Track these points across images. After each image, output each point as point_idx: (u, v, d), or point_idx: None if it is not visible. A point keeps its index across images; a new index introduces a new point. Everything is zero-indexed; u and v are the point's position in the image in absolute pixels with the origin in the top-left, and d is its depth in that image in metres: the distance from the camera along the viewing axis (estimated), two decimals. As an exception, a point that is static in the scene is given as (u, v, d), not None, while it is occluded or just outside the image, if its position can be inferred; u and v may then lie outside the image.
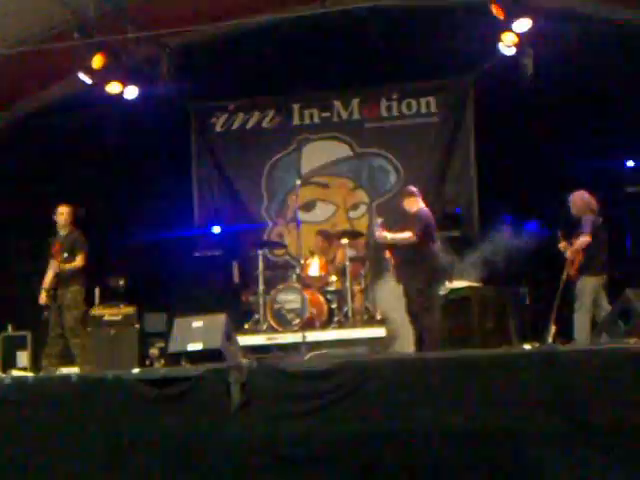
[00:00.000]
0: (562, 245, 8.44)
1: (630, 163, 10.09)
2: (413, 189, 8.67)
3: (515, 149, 10.33)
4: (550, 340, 8.21)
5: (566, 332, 8.43)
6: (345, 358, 6.45)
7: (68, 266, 8.86)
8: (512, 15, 8.95)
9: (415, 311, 8.27)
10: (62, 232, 9.06)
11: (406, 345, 8.91)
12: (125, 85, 10.04)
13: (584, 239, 8.17)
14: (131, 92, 10.11)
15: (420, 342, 8.14)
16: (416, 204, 8.48)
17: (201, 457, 5.97)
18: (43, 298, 8.76)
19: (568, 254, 8.33)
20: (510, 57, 9.51)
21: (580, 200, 8.38)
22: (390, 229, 8.54)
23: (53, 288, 8.80)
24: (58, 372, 7.94)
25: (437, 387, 5.75)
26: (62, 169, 11.39)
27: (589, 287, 8.15)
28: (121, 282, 10.40)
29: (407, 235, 8.24)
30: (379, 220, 8.64)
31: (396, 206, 9.10)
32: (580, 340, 7.64)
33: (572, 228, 8.54)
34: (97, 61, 9.51)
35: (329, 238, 10.41)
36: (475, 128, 11.21)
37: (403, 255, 8.32)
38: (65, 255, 8.87)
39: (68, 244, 8.97)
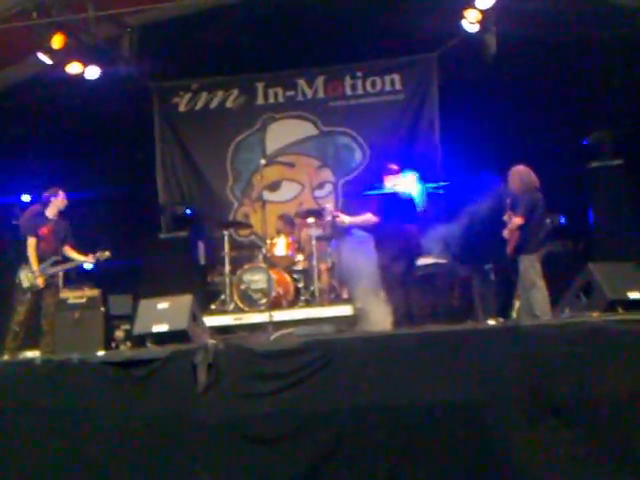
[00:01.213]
0: (506, 216, 8.31)
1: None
2: (392, 167, 8.52)
3: (478, 125, 10.37)
4: (514, 315, 8.28)
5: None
6: (312, 337, 6.46)
7: (81, 259, 8.71)
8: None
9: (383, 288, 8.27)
10: (51, 215, 8.72)
11: (375, 323, 8.97)
12: (86, 65, 9.91)
13: (516, 220, 7.99)
14: (92, 72, 9.98)
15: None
16: (390, 182, 8.39)
17: (169, 438, 5.97)
18: (42, 282, 8.48)
19: (505, 233, 8.16)
20: (473, 34, 9.52)
21: (518, 179, 8.17)
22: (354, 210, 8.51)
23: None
24: (22, 356, 7.86)
25: (403, 363, 5.80)
26: (23, 152, 11.23)
27: (529, 265, 7.97)
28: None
29: (367, 217, 8.22)
30: (329, 206, 8.61)
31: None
32: (542, 316, 7.68)
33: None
34: (57, 41, 9.36)
35: (290, 221, 10.39)
36: (439, 105, 11.22)
37: (373, 234, 8.31)
38: (55, 242, 8.68)
39: (59, 231, 8.70)
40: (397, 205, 8.24)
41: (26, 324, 8.45)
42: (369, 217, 8.18)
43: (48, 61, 9.59)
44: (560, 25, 9.99)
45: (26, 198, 9.13)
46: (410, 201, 8.37)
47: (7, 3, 9.86)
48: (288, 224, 10.40)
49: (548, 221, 8.70)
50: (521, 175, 8.16)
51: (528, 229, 7.96)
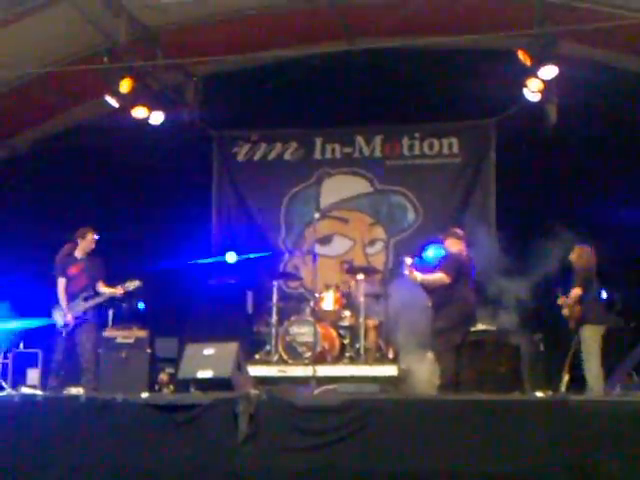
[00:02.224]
0: (561, 300, 8.44)
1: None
2: (458, 231, 8.48)
3: (535, 194, 10.33)
4: (563, 389, 8.14)
5: (579, 382, 8.37)
6: (354, 395, 6.41)
7: (109, 291, 8.86)
8: (539, 62, 8.99)
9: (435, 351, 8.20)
10: (80, 255, 9.02)
11: (419, 385, 8.88)
12: (151, 110, 10.13)
13: (575, 292, 8.13)
14: (156, 117, 10.21)
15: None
16: (455, 246, 8.32)
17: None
18: (70, 318, 8.67)
19: (565, 311, 8.30)
20: (534, 103, 9.55)
21: (585, 256, 8.38)
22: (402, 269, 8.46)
23: None
24: (65, 392, 7.92)
25: (445, 430, 5.71)
26: (84, 191, 11.48)
27: (592, 334, 8.08)
28: (139, 304, 10.44)
29: (438, 276, 8.08)
30: (408, 260, 8.49)
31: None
32: (594, 390, 7.56)
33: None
34: (125, 85, 9.62)
35: (352, 270, 10.34)
36: (496, 171, 11.21)
37: (435, 295, 8.22)
38: (87, 280, 8.87)
39: (90, 269, 8.94)
40: (465, 269, 8.15)
41: (65, 363, 8.63)
42: (442, 277, 8.02)
43: (115, 104, 9.84)
44: (621, 97, 9.98)
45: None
46: (474, 267, 8.31)
47: (81, 46, 10.23)
48: (349, 272, 10.36)
49: (605, 296, 8.68)
50: (587, 253, 8.32)
51: (589, 300, 7.97)
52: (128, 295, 9.14)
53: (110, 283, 8.91)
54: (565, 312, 8.26)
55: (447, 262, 8.14)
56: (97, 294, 8.83)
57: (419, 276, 8.22)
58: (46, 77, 10.38)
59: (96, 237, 9.04)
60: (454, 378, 7.79)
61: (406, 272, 8.42)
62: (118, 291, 8.84)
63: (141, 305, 9.55)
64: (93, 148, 11.39)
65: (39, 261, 10.03)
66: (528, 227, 9.86)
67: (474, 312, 8.12)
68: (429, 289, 8.24)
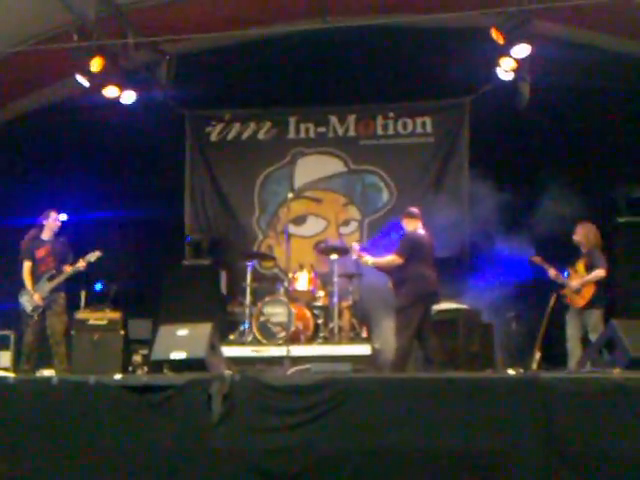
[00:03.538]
0: (553, 273, 8.51)
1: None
2: (413, 210, 8.51)
3: (508, 172, 10.37)
4: (534, 367, 8.21)
5: (552, 359, 8.48)
6: (328, 374, 6.42)
7: (72, 267, 8.80)
8: (512, 40, 8.99)
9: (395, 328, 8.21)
10: (46, 237, 8.99)
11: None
12: (122, 89, 10.03)
13: (600, 272, 8.30)
14: (128, 97, 10.10)
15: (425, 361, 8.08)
16: (411, 225, 8.37)
17: (180, 466, 5.93)
18: (39, 299, 8.69)
19: (573, 284, 8.39)
20: (507, 81, 9.56)
21: (594, 234, 8.56)
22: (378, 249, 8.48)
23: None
24: (38, 374, 7.87)
25: (418, 408, 5.74)
26: (54, 172, 11.36)
27: (601, 319, 8.23)
28: (113, 288, 10.41)
29: (390, 258, 8.15)
30: (356, 245, 8.58)
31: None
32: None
33: (569, 257, 8.66)
34: (95, 64, 9.49)
35: (325, 250, 10.36)
36: (469, 150, 11.24)
37: (393, 276, 8.26)
38: (53, 262, 8.82)
39: (57, 251, 8.92)
40: (419, 248, 8.20)
41: (36, 346, 8.60)
42: (393, 258, 8.10)
43: (86, 83, 9.71)
44: (592, 75, 10.02)
45: (63, 217, 9.29)
46: (431, 246, 8.33)
47: (49, 25, 10.08)
48: (322, 253, 10.37)
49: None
50: (592, 230, 8.54)
51: (603, 283, 8.10)
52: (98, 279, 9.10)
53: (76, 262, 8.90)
54: (575, 286, 8.35)
55: (400, 242, 8.19)
56: (61, 272, 8.80)
57: (370, 260, 8.30)
58: (15, 57, 10.23)
59: (61, 217, 9.02)
60: (407, 357, 7.83)
61: (355, 257, 8.48)
62: (80, 265, 8.78)
63: (98, 286, 9.51)
64: (64, 129, 11.30)
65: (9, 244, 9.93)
66: (501, 206, 9.88)
67: (433, 290, 8.10)
68: (386, 270, 8.30)
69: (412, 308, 7.91)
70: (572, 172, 10.07)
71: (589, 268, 8.42)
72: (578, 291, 8.36)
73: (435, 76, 10.71)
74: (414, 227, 8.32)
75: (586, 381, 5.71)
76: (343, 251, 10.02)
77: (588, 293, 8.30)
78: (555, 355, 8.64)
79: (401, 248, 8.11)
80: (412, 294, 7.95)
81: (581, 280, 8.37)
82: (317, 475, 5.73)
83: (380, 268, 8.38)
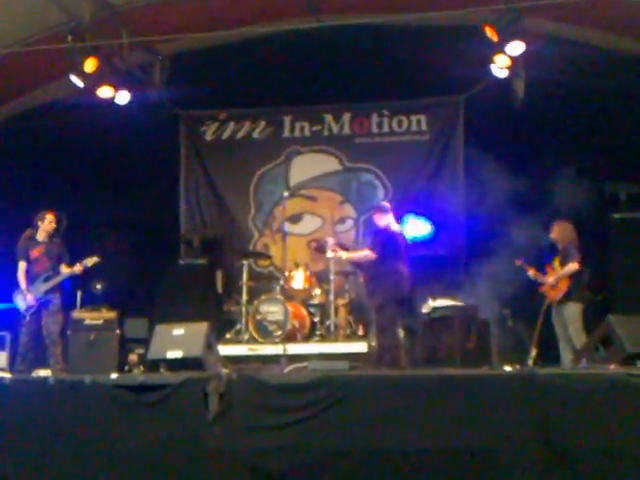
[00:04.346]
0: (532, 273, 8.76)
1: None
2: (384, 205, 8.54)
3: (503, 169, 10.37)
4: (530, 363, 8.23)
5: (548, 356, 8.49)
6: (325, 372, 6.43)
7: (68, 270, 8.81)
8: (506, 38, 8.99)
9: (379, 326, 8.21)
10: (41, 238, 8.99)
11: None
12: (117, 90, 10.01)
13: (574, 266, 8.47)
14: (122, 97, 10.08)
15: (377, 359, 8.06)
16: (382, 220, 8.37)
17: (176, 465, 5.94)
18: (32, 299, 8.69)
19: (550, 280, 8.57)
20: (502, 79, 9.56)
21: (570, 231, 8.73)
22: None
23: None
24: (34, 374, 7.87)
25: (415, 405, 5.76)
26: (49, 172, 11.35)
27: (578, 312, 8.41)
28: (98, 286, 10.41)
29: (364, 253, 8.17)
30: (331, 240, 8.59)
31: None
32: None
33: (547, 255, 8.85)
34: (90, 65, 9.48)
35: (320, 249, 10.36)
36: (464, 147, 11.24)
37: (365, 271, 8.27)
38: (49, 262, 8.83)
39: (52, 251, 8.92)
40: (393, 243, 8.18)
41: (32, 346, 8.62)
42: (367, 254, 8.11)
43: (80, 84, 9.69)
44: (587, 72, 10.04)
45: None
46: (405, 241, 8.33)
47: (44, 26, 10.07)
48: (318, 251, 10.38)
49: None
50: (570, 227, 8.70)
51: (578, 276, 8.24)
52: (94, 279, 9.11)
53: (72, 263, 8.89)
54: (550, 282, 8.55)
55: (373, 238, 8.20)
56: (57, 274, 8.81)
57: (344, 255, 8.31)
58: (9, 57, 10.21)
59: (56, 219, 9.02)
60: (396, 354, 7.84)
61: (330, 252, 8.49)
62: (77, 269, 8.80)
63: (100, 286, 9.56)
64: (59, 129, 11.25)
65: (4, 244, 9.92)
66: (497, 204, 9.89)
67: (408, 285, 8.11)
68: (359, 266, 8.31)
69: (390, 306, 7.93)
70: (567, 169, 10.06)
71: (563, 264, 8.59)
72: (554, 286, 8.58)
73: (429, 74, 10.71)
74: (385, 222, 8.32)
75: (582, 377, 5.74)
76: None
77: (563, 286, 8.51)
78: (551, 352, 8.66)
79: (374, 243, 8.14)
80: (390, 291, 7.96)
81: (556, 275, 8.58)
82: (314, 473, 5.75)
83: (354, 263, 8.40)
